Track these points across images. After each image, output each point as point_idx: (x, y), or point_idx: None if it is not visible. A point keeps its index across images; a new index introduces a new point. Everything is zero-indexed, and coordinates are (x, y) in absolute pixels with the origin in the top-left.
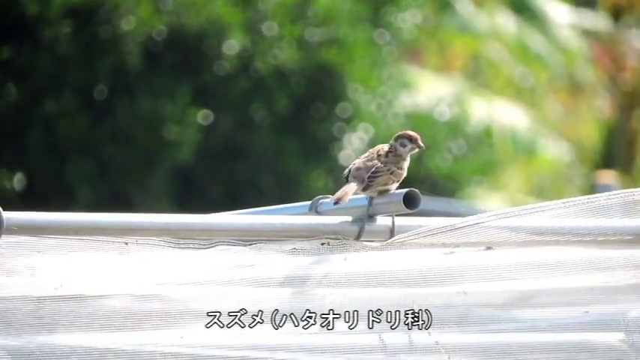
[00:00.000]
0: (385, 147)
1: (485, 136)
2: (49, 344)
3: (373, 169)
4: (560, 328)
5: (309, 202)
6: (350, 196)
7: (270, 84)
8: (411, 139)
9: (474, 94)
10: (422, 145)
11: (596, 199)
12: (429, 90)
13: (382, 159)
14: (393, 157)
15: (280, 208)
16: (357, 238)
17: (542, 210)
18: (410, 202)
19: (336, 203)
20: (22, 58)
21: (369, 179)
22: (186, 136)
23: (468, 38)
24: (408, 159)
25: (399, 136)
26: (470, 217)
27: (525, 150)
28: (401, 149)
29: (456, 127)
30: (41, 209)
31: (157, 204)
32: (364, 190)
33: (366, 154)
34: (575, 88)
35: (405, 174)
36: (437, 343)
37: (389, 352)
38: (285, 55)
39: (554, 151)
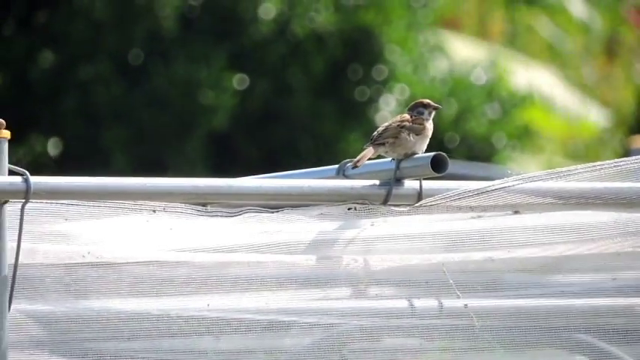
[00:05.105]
0: (406, 116)
1: (522, 99)
2: (76, 310)
3: (383, 127)
4: (589, 293)
5: (337, 166)
6: (366, 159)
7: (306, 47)
8: (425, 105)
9: (510, 59)
10: (437, 105)
11: (623, 162)
12: (466, 54)
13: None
14: (417, 123)
15: (308, 171)
16: (385, 202)
17: (569, 174)
18: (438, 166)
19: (354, 167)
20: (56, 23)
21: (378, 134)
22: (221, 100)
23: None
24: (431, 122)
25: (413, 107)
26: (496, 181)
27: (562, 113)
28: (421, 117)
29: (491, 91)
30: (76, 175)
31: (192, 169)
32: (373, 142)
33: (391, 121)
34: (611, 53)
35: (429, 133)
36: (466, 306)
37: (418, 316)
38: (321, 18)
39: (591, 113)
